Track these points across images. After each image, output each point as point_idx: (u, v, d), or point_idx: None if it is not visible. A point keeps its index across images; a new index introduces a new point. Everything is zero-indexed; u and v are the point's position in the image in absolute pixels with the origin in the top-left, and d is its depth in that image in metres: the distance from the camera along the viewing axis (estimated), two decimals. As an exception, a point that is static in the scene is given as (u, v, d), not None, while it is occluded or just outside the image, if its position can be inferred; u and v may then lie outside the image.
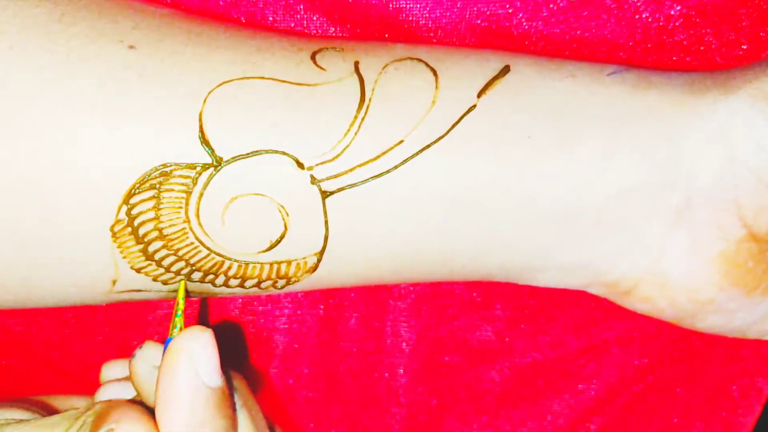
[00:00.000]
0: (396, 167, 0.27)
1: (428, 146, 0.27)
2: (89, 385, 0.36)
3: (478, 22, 0.31)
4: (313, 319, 0.37)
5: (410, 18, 0.31)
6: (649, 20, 0.31)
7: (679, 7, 0.31)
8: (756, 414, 0.39)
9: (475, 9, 0.31)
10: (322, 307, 0.37)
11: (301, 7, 0.32)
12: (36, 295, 0.28)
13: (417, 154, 0.27)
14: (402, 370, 0.38)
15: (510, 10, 0.31)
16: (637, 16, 0.31)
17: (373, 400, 0.39)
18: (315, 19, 0.32)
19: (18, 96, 0.25)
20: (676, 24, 0.31)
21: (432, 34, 0.32)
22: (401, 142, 0.27)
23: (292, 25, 0.32)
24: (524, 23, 0.31)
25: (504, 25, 0.31)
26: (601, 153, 0.28)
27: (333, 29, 0.32)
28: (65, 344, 0.37)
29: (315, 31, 0.32)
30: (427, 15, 0.31)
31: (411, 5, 0.31)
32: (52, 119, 0.25)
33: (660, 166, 0.28)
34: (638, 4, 0.31)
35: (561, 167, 0.28)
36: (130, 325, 0.36)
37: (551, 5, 0.31)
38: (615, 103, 0.28)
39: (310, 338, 0.37)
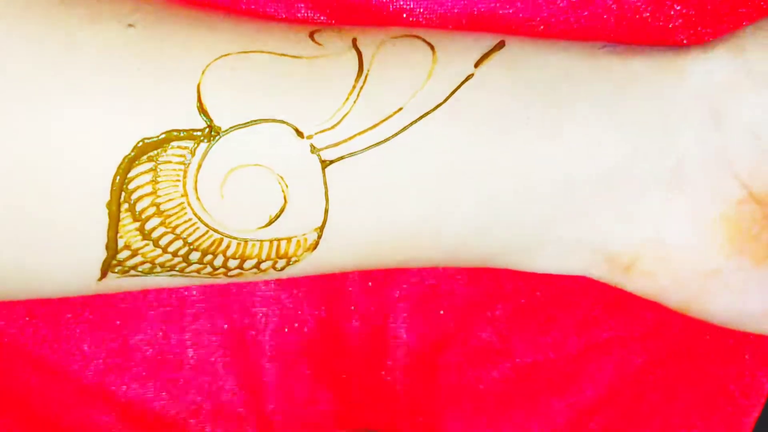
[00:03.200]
0: (395, 135, 0.27)
1: (427, 113, 0.27)
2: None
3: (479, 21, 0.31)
4: (314, 320, 0.37)
5: (411, 18, 0.31)
6: (649, 20, 0.31)
7: (678, 7, 0.31)
8: (756, 414, 0.39)
9: (475, 9, 0.31)
10: (323, 307, 0.37)
11: (302, 5, 0.32)
12: (32, 282, 0.28)
13: (416, 121, 0.27)
14: (402, 371, 0.38)
15: (510, 11, 0.31)
16: (637, 16, 0.31)
17: (373, 401, 0.39)
18: (315, 17, 0.32)
19: (16, 78, 0.25)
20: (676, 24, 0.32)
21: (432, 33, 0.32)
22: (400, 109, 0.27)
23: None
24: (524, 23, 0.31)
25: (504, 26, 0.31)
26: (597, 123, 0.28)
27: (333, 27, 0.32)
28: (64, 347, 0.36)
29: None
30: (427, 15, 0.31)
31: (411, 5, 0.31)
32: (49, 99, 0.25)
33: (651, 132, 0.28)
34: (638, 4, 0.31)
35: (558, 138, 0.28)
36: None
37: (552, 5, 0.31)
38: (606, 73, 0.28)
39: (312, 338, 0.37)
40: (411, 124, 0.27)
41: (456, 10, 0.31)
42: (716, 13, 0.31)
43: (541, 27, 0.31)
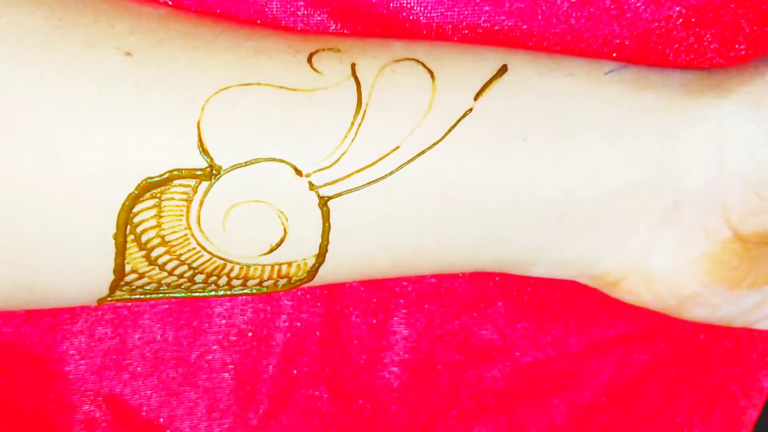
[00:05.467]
0: (392, 173, 0.27)
1: (424, 151, 0.27)
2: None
3: (479, 22, 0.31)
4: (313, 317, 0.37)
5: (411, 17, 0.31)
6: (649, 21, 0.31)
7: (678, 8, 0.31)
8: (756, 414, 0.39)
9: (476, 9, 0.31)
10: (322, 304, 0.37)
11: (302, 4, 0.32)
12: (41, 299, 0.29)
13: (413, 159, 0.27)
14: (402, 369, 0.38)
15: (513, 8, 0.31)
16: (637, 17, 0.31)
17: (373, 399, 0.39)
18: (315, 16, 0.32)
19: (16, 106, 0.25)
20: (676, 24, 0.32)
21: (433, 33, 0.32)
22: (398, 147, 0.27)
23: (292, 20, 0.32)
24: (525, 24, 0.31)
25: (504, 26, 0.31)
26: (595, 155, 0.28)
27: (334, 26, 0.32)
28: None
29: (315, 29, 0.32)
30: (427, 14, 0.31)
31: (412, 4, 0.31)
32: (51, 129, 0.25)
33: (651, 169, 0.28)
34: (638, 4, 0.31)
35: (555, 169, 0.28)
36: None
37: (551, 5, 0.31)
38: (611, 104, 0.28)
39: (311, 336, 0.37)
40: (407, 162, 0.27)
41: (456, 9, 0.31)
42: (716, 14, 0.31)
43: (541, 26, 0.31)
